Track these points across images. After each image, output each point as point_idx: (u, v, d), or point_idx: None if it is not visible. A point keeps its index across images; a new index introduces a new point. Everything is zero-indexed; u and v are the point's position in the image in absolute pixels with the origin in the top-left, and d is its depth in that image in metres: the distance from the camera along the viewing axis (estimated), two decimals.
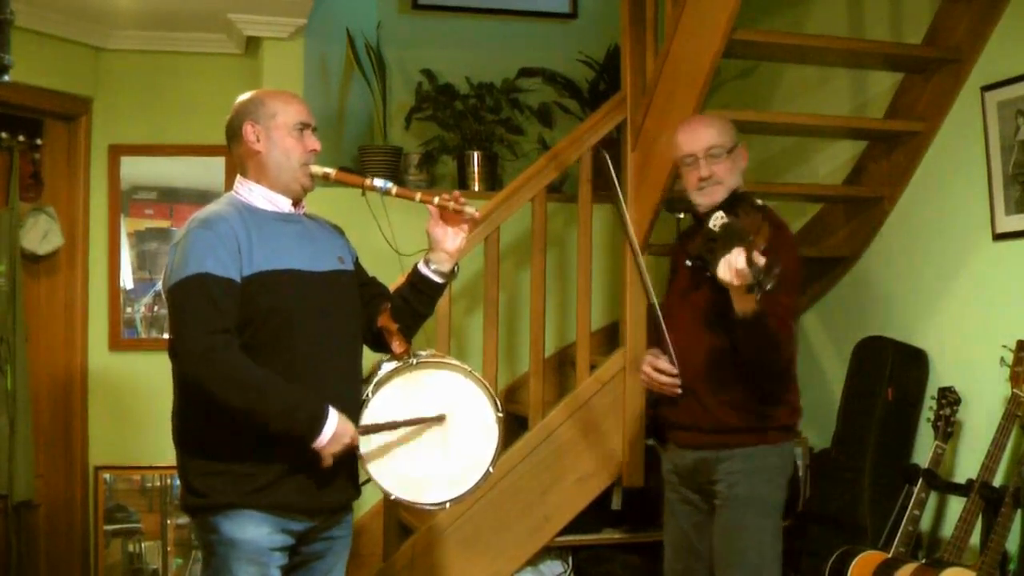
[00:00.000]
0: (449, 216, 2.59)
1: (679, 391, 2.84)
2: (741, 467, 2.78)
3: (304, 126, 2.49)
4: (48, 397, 4.16)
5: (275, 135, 2.46)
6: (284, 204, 2.50)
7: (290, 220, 2.50)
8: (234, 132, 2.50)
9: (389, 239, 2.61)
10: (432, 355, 2.64)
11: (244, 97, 2.53)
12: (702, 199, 2.80)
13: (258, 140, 2.46)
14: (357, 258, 2.68)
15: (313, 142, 2.50)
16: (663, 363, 2.86)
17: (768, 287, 2.32)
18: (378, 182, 2.52)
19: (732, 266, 2.37)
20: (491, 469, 2.57)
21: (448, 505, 2.58)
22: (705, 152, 2.81)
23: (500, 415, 2.57)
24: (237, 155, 2.53)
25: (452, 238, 2.61)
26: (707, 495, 2.88)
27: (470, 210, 2.57)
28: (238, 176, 2.54)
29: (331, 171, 2.51)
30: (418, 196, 2.55)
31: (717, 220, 2.56)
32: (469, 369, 2.58)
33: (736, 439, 2.79)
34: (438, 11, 4.94)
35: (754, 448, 2.79)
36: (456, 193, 2.59)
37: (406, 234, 2.69)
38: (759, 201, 2.65)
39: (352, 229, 2.73)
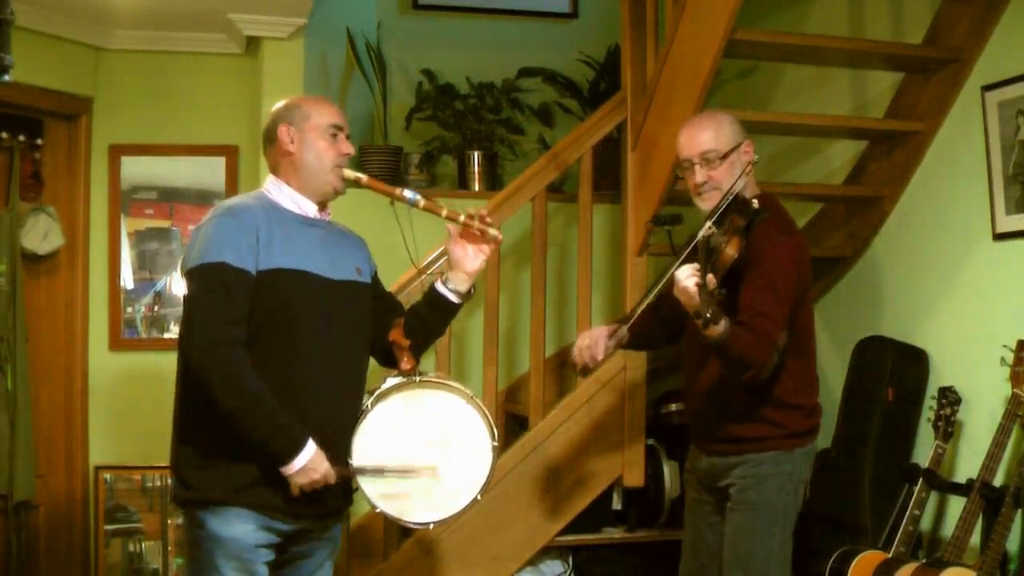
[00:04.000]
0: (471, 236, 2.59)
1: (586, 367, 2.89)
2: (753, 472, 2.78)
3: (337, 129, 2.51)
4: (48, 397, 4.16)
5: (309, 136, 2.49)
6: (310, 208, 2.52)
7: (314, 225, 2.51)
8: (270, 134, 2.54)
9: (410, 249, 2.61)
10: (437, 376, 2.64)
11: (280, 103, 2.57)
12: (702, 204, 2.79)
13: (292, 141, 2.49)
14: (376, 272, 2.69)
15: (346, 146, 2.53)
16: (600, 344, 2.86)
17: (707, 316, 2.36)
18: (407, 193, 2.54)
19: (679, 284, 2.42)
20: (479, 497, 2.57)
21: (431, 527, 2.59)
22: (700, 157, 2.78)
23: (495, 444, 2.58)
24: (271, 157, 2.56)
25: (472, 259, 2.61)
26: (721, 497, 2.88)
27: (493, 232, 2.57)
28: (269, 175, 2.56)
29: (363, 176, 2.53)
30: (444, 212, 2.56)
31: (704, 231, 2.56)
32: (471, 394, 2.59)
33: (748, 446, 2.79)
34: (438, 11, 4.94)
35: (767, 454, 2.78)
36: (483, 213, 2.58)
37: (427, 245, 2.71)
38: (755, 204, 2.61)
39: (373, 234, 2.75)
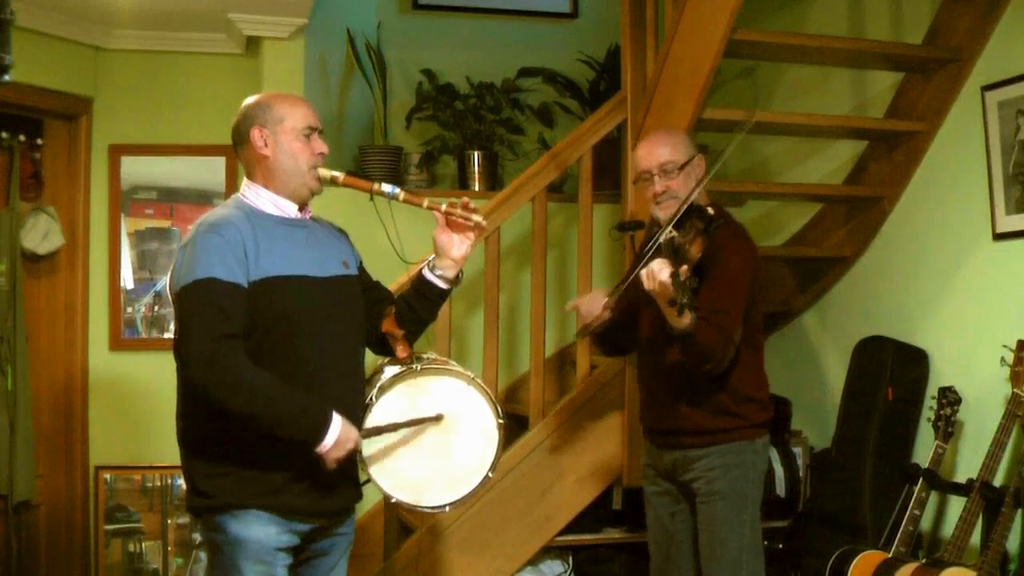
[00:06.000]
0: (455, 223, 2.59)
1: (589, 325, 3.04)
2: (718, 463, 2.90)
3: (311, 130, 2.49)
4: (48, 397, 4.16)
5: (283, 139, 2.46)
6: (291, 209, 2.50)
7: (296, 225, 2.50)
8: (241, 136, 2.50)
9: (395, 244, 2.61)
10: (435, 360, 2.65)
11: (250, 101, 2.53)
12: (660, 213, 2.94)
13: (266, 145, 2.46)
14: (361, 262, 2.69)
15: (321, 146, 2.50)
16: (597, 303, 3.00)
17: (684, 301, 2.50)
18: (386, 187, 2.52)
19: (655, 276, 2.56)
20: (491, 474, 2.59)
21: (448, 508, 2.60)
22: (659, 168, 2.94)
23: (501, 421, 2.59)
24: (244, 159, 2.53)
25: (458, 245, 2.60)
26: (684, 489, 2.99)
27: (476, 218, 2.57)
28: (245, 180, 2.53)
29: (339, 175, 2.51)
30: (425, 202, 2.55)
31: (665, 235, 2.74)
32: (471, 376, 2.60)
33: (711, 438, 2.91)
34: (438, 11, 4.94)
35: (730, 445, 2.90)
36: (465, 200, 2.58)
37: (412, 239, 2.69)
38: (710, 211, 2.75)
39: (358, 232, 2.74)
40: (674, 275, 2.51)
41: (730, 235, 2.89)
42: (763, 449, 2.99)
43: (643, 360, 3.12)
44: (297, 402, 2.32)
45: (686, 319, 2.61)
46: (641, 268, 2.68)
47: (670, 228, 2.74)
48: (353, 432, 2.37)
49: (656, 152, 2.96)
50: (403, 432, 2.51)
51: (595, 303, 3.01)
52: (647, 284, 2.60)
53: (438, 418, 2.52)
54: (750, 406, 2.93)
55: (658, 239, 2.76)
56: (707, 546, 2.92)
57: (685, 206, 2.77)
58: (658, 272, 2.55)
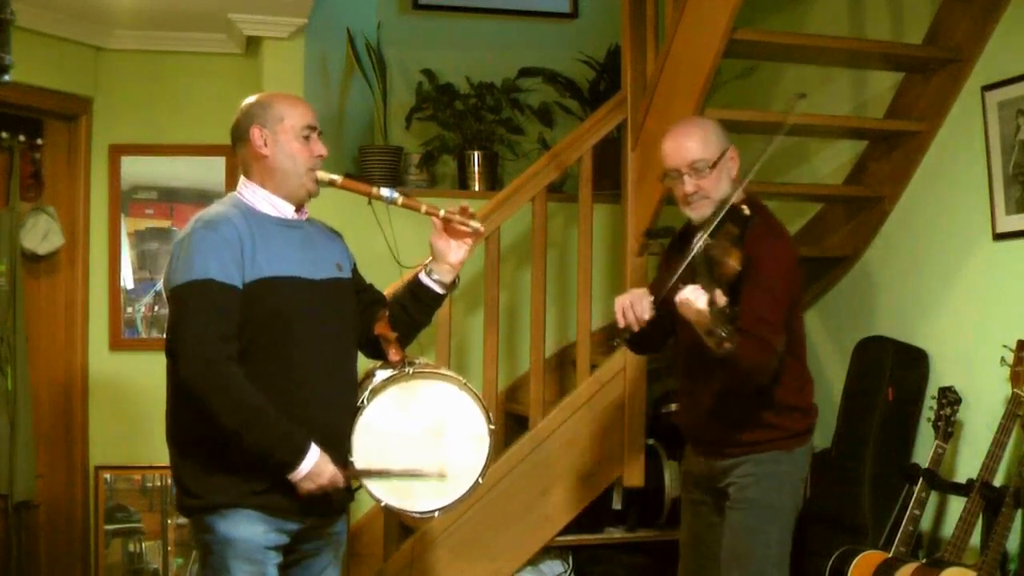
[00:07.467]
0: (453, 228, 2.59)
1: (629, 328, 2.71)
2: (752, 471, 2.77)
3: (311, 130, 2.49)
4: (48, 397, 4.16)
5: (282, 139, 2.46)
6: (287, 210, 2.50)
7: (292, 226, 2.50)
8: (240, 135, 2.50)
9: (392, 248, 2.61)
10: (427, 364, 2.65)
11: (251, 100, 2.53)
12: (692, 213, 2.75)
13: (265, 144, 2.46)
14: (355, 264, 2.69)
15: (320, 147, 2.50)
16: (644, 306, 2.68)
17: (723, 334, 2.32)
18: (384, 191, 2.52)
19: (691, 305, 2.40)
20: (480, 480, 2.58)
21: (437, 514, 2.60)
22: (689, 167, 2.72)
23: (492, 427, 2.59)
24: (242, 157, 2.53)
25: (455, 250, 2.61)
26: (719, 497, 2.88)
27: (475, 224, 2.57)
28: (242, 178, 2.53)
29: (338, 178, 2.51)
30: (424, 207, 2.55)
31: (699, 242, 2.56)
32: (464, 381, 2.59)
33: (745, 449, 2.79)
34: (438, 11, 4.94)
35: (765, 454, 2.77)
36: (464, 206, 2.58)
37: (408, 243, 2.68)
38: (746, 210, 2.59)
39: (354, 235, 2.74)
40: (711, 303, 2.35)
41: (766, 234, 2.68)
42: (801, 458, 2.83)
43: (681, 364, 2.96)
44: (279, 429, 2.31)
45: (726, 346, 2.41)
46: (674, 285, 2.49)
47: (706, 236, 2.55)
48: (328, 469, 2.35)
49: (685, 148, 2.73)
50: (394, 439, 2.50)
51: (642, 304, 2.67)
52: (682, 311, 2.44)
53: (440, 475, 2.52)
54: (792, 415, 2.78)
55: (694, 249, 2.56)
56: (729, 554, 2.79)
57: (720, 214, 2.57)
58: (694, 300, 2.39)
